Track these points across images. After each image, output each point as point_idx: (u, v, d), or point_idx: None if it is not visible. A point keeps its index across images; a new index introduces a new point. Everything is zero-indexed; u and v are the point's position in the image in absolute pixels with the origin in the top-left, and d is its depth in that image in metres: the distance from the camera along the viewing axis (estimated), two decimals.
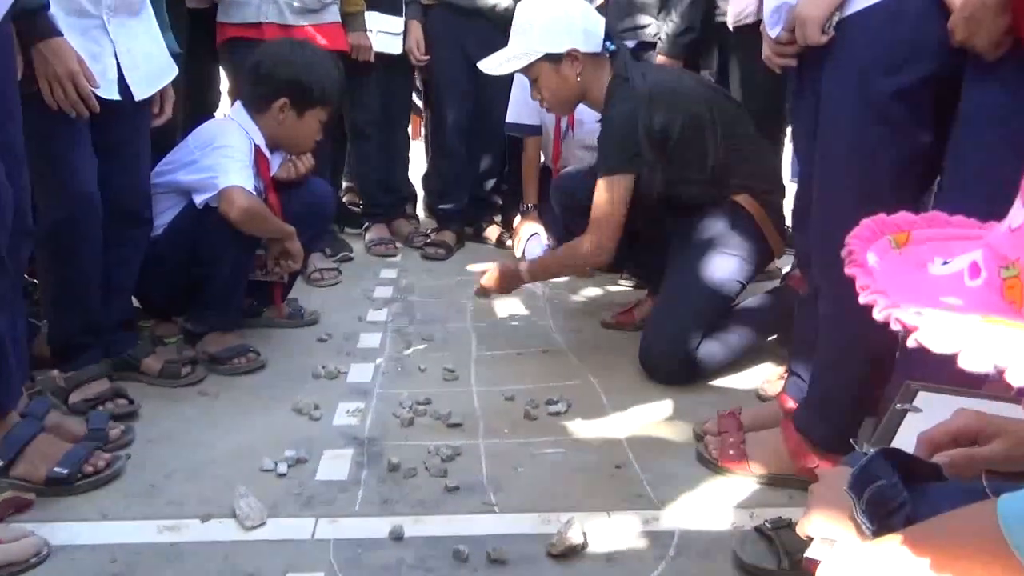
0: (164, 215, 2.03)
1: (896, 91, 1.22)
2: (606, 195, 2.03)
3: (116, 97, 1.68)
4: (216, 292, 2.05)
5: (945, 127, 1.21)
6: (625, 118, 2.00)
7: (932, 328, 0.45)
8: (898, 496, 0.72)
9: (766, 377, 1.98)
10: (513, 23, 2.14)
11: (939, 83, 1.20)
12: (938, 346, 0.44)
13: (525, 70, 2.11)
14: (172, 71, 1.86)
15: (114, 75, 1.68)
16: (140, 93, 1.76)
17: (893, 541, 0.66)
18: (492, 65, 2.15)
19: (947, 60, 1.17)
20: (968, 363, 0.42)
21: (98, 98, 1.63)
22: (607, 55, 2.10)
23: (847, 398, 1.42)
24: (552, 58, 2.05)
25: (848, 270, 0.56)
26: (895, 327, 0.48)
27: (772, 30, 1.40)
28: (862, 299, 0.52)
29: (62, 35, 1.55)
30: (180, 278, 2.05)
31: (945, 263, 0.55)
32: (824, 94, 1.33)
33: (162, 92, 1.85)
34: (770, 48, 1.42)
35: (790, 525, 1.31)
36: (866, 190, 1.25)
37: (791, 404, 1.58)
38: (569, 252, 2.15)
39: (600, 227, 2.03)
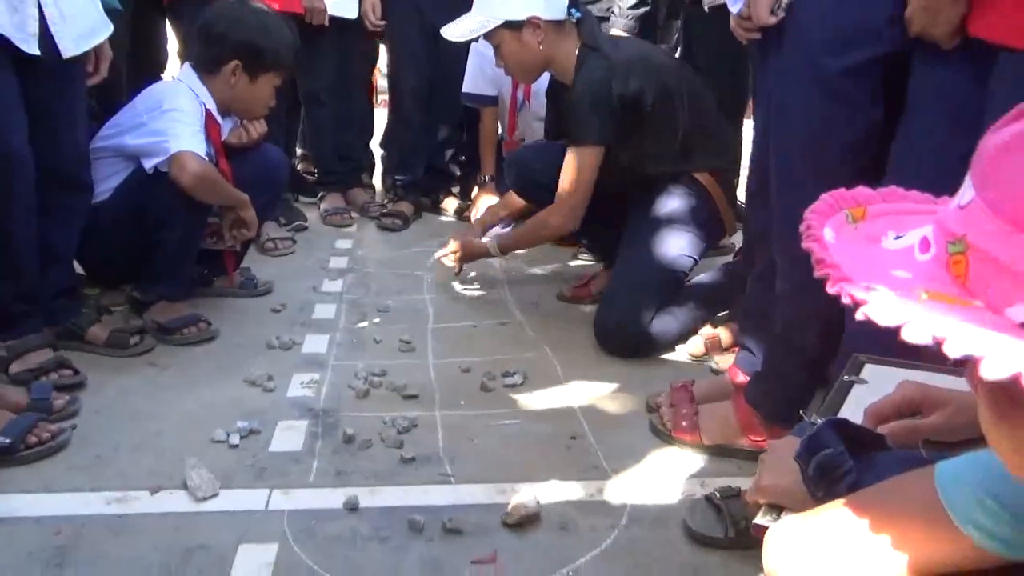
0: (110, 180, 1.97)
1: (845, 69, 1.25)
2: (575, 166, 2.02)
3: (36, 52, 1.59)
4: (166, 260, 1.99)
5: (899, 105, 1.24)
6: (598, 87, 1.97)
7: (878, 303, 0.47)
8: (844, 464, 0.75)
9: (693, 343, 2.03)
10: None
11: (888, 62, 1.23)
12: (883, 320, 0.45)
13: (487, 37, 2.08)
14: (106, 29, 1.78)
15: (35, 29, 1.59)
16: (68, 50, 1.68)
17: (837, 506, 0.68)
18: (454, 32, 2.12)
19: (896, 40, 1.19)
20: (910, 335, 0.44)
21: (20, 53, 1.55)
22: (573, 22, 2.07)
23: (798, 372, 1.46)
24: (512, 25, 2.03)
25: (805, 244, 0.57)
26: (845, 301, 0.50)
27: (733, 7, 1.42)
28: (816, 274, 0.53)
29: None
30: (128, 246, 1.99)
31: (898, 237, 0.56)
32: (777, 73, 1.35)
33: (97, 50, 1.77)
34: (734, 22, 1.44)
35: (738, 495, 1.34)
36: (820, 167, 1.28)
37: (742, 378, 1.62)
38: (536, 225, 2.15)
39: (569, 199, 2.03)
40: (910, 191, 0.64)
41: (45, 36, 1.62)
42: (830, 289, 0.51)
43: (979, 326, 0.43)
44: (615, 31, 2.82)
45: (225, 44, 2.03)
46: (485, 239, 2.24)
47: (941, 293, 0.47)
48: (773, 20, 1.32)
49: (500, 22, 2.03)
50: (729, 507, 1.32)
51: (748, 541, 1.20)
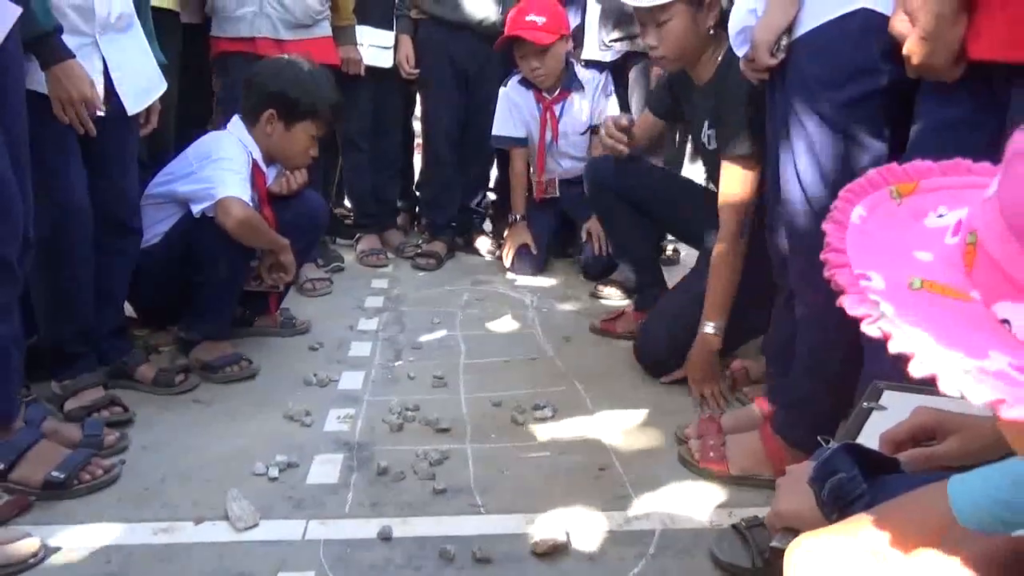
0: (161, 224, 2.08)
1: (843, 104, 1.30)
2: (734, 180, 1.84)
3: (102, 112, 1.71)
4: (210, 301, 2.09)
5: (904, 134, 1.27)
6: (756, 98, 1.71)
7: (854, 298, 0.49)
8: (857, 488, 0.77)
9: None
10: None
11: (886, 95, 1.27)
12: (852, 310, 0.48)
13: (660, 9, 1.87)
14: (162, 85, 1.91)
15: (101, 91, 1.72)
16: (132, 107, 1.81)
17: (854, 522, 0.70)
18: None
19: (892, 72, 1.24)
20: (895, 348, 0.46)
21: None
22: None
23: (823, 400, 1.47)
24: (692, 1, 1.86)
25: (824, 224, 0.57)
26: (834, 287, 0.51)
27: (739, 50, 1.47)
28: (821, 255, 0.54)
29: (74, 56, 1.60)
30: (175, 287, 2.09)
31: (940, 216, 0.56)
32: (783, 110, 1.40)
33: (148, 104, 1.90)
34: (743, 64, 1.49)
35: (764, 524, 1.35)
36: (829, 198, 1.31)
37: (769, 408, 1.63)
38: (718, 267, 1.91)
39: (735, 218, 1.86)
40: (978, 163, 0.62)
41: (110, 92, 1.75)
42: (826, 274, 0.53)
43: (955, 326, 0.45)
44: (657, 69, 2.79)
45: (262, 94, 2.15)
46: (707, 330, 1.95)
47: (937, 284, 0.49)
48: (774, 61, 1.38)
49: None
50: (755, 537, 1.33)
51: (774, 571, 1.21)
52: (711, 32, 1.89)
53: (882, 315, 0.47)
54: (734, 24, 1.48)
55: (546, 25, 2.80)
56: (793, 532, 0.84)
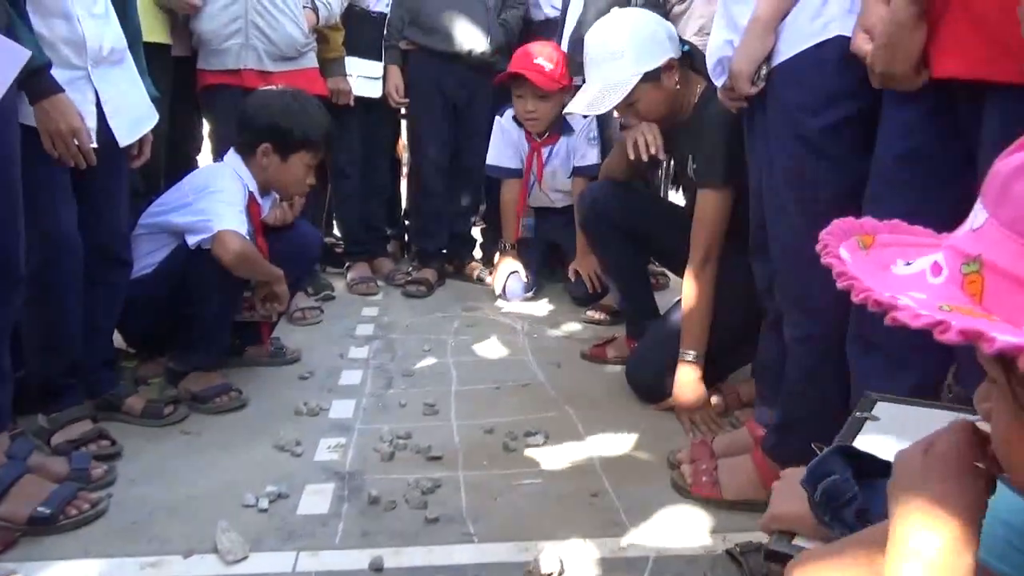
0: (154, 255, 2.08)
1: (823, 128, 1.33)
2: (713, 207, 1.88)
3: (95, 145, 1.72)
4: (202, 332, 2.08)
5: None
6: (733, 125, 1.72)
7: (907, 308, 0.49)
8: (850, 490, 0.77)
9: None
10: (590, 55, 1.95)
11: (865, 118, 1.29)
12: (916, 322, 0.48)
13: (626, 98, 1.90)
14: (153, 117, 1.92)
15: (94, 123, 1.72)
16: (124, 139, 1.82)
17: (855, 539, 0.70)
18: (588, 106, 1.95)
19: (867, 99, 1.26)
20: (945, 334, 0.46)
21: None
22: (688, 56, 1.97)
23: (814, 421, 1.47)
24: (650, 76, 1.90)
25: (824, 260, 0.59)
26: (872, 308, 0.52)
27: (717, 80, 1.50)
28: (839, 285, 0.55)
29: (64, 91, 1.61)
30: (167, 317, 2.08)
31: (907, 264, 0.58)
32: (764, 135, 1.42)
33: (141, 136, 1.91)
34: (721, 93, 1.52)
35: (759, 549, 1.35)
36: (815, 220, 1.32)
37: (760, 431, 1.63)
38: (689, 294, 1.94)
39: (706, 244, 1.90)
40: (914, 225, 0.66)
41: (102, 125, 1.75)
42: (855, 298, 0.53)
43: (1005, 332, 0.45)
44: None
45: (254, 128, 2.16)
46: (687, 359, 1.96)
47: (960, 307, 0.50)
48: (754, 90, 1.41)
49: (639, 77, 1.88)
50: (750, 562, 1.33)
51: (772, 574, 1.21)
52: (677, 87, 1.93)
53: (951, 323, 0.47)
54: (711, 54, 1.51)
55: (552, 72, 2.80)
56: (789, 535, 0.84)
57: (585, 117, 3.00)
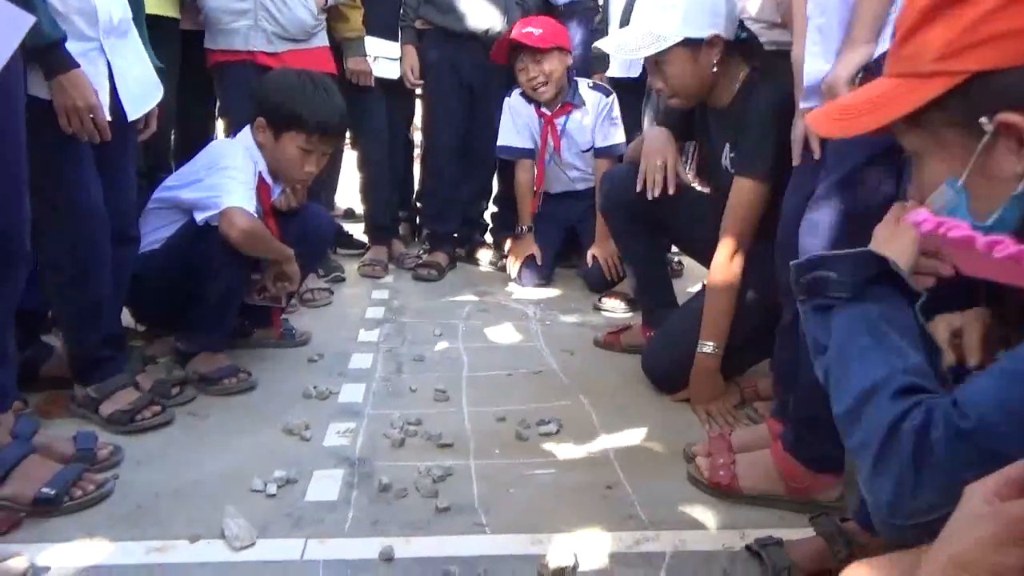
0: (163, 230, 2.04)
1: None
2: (751, 198, 1.83)
3: (108, 118, 1.69)
4: (209, 311, 2.04)
5: None
6: (780, 116, 1.70)
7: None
8: (839, 292, 0.88)
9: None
10: None
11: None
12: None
13: (658, 53, 1.84)
14: (159, 91, 1.87)
15: (107, 97, 1.69)
16: (132, 113, 1.77)
17: (911, 552, 0.70)
18: (622, 48, 1.87)
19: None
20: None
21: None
22: (741, 44, 1.90)
23: (831, 415, 1.43)
24: (690, 43, 1.82)
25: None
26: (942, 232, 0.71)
27: (804, 104, 1.47)
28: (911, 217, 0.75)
29: (79, 66, 1.58)
30: (175, 294, 2.04)
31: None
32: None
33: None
34: (803, 118, 1.47)
35: (779, 544, 1.31)
36: (856, 221, 1.31)
37: (779, 427, 1.59)
38: (714, 286, 1.90)
39: (738, 235, 1.86)
40: None
41: (113, 98, 1.72)
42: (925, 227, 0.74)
43: None
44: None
45: (254, 102, 2.13)
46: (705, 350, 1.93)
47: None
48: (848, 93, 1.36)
49: (679, 39, 1.81)
50: (770, 556, 1.29)
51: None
52: (714, 68, 1.85)
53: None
54: (807, 79, 1.44)
55: (542, 35, 2.83)
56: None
57: (602, 93, 2.96)
